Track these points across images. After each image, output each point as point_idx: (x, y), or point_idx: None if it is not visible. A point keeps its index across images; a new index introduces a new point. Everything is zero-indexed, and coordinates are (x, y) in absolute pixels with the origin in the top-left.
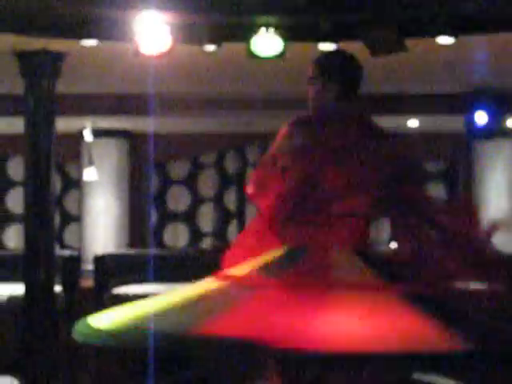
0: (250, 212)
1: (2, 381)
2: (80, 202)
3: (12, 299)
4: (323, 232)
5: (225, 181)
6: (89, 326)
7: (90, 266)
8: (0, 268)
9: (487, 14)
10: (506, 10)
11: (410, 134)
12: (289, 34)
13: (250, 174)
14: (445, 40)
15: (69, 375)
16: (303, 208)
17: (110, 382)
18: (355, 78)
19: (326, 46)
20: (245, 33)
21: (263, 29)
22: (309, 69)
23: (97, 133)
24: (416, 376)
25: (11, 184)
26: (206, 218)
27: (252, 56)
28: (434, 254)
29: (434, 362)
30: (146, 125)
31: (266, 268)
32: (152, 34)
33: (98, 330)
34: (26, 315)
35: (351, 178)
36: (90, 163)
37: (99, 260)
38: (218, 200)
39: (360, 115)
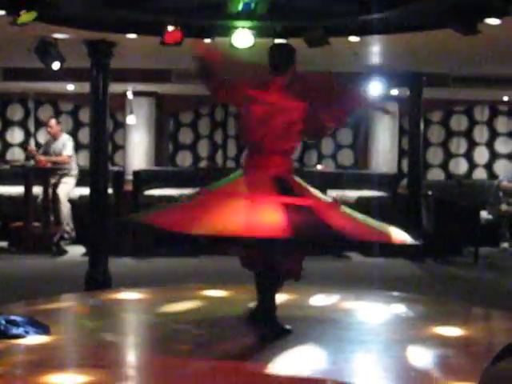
0: (231, 146)
1: (76, 248)
2: (124, 137)
3: (82, 198)
4: (262, 160)
5: (215, 123)
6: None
7: (130, 177)
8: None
9: (384, 22)
10: (397, 19)
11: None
12: (256, 32)
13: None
14: (354, 39)
15: (116, 243)
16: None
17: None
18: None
19: (279, 41)
20: (228, 31)
21: (240, 29)
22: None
23: (135, 93)
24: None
25: (81, 125)
26: (203, 148)
27: (232, 47)
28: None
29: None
30: (167, 88)
31: (214, 185)
32: (171, 31)
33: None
34: (91, 207)
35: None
36: (131, 112)
37: (136, 173)
38: (211, 136)
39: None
